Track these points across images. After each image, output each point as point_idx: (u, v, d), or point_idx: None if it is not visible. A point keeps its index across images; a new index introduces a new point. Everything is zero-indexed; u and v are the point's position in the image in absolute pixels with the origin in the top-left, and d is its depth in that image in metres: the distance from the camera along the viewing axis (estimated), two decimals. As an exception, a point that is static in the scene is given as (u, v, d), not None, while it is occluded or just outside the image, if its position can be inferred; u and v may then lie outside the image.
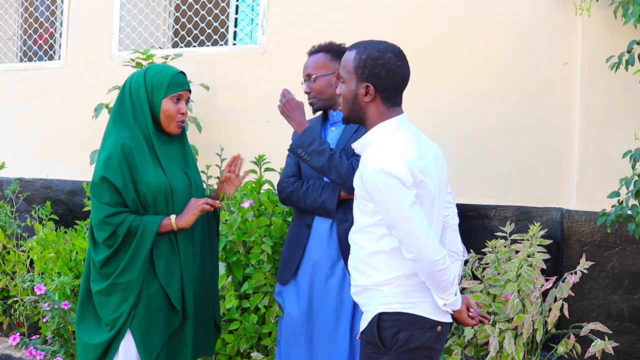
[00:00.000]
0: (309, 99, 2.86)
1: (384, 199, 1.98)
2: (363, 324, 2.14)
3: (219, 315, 2.76)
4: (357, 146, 2.19)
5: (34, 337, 3.74)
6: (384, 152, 2.02)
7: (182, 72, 2.60)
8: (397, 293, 2.06)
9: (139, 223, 2.43)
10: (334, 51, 2.84)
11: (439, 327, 2.09)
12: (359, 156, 2.44)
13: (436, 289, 2.04)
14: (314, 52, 2.89)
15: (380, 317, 2.06)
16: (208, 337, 2.68)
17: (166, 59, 4.57)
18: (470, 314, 2.20)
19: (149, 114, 2.51)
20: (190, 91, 2.62)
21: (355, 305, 2.66)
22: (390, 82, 2.09)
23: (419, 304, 2.06)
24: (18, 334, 3.58)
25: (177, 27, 5.36)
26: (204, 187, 3.99)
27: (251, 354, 3.09)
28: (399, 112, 2.13)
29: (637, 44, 3.11)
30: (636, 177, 2.93)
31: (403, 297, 2.06)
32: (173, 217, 2.48)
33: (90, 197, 2.51)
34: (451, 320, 2.16)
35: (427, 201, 2.05)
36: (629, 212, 2.99)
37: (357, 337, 2.25)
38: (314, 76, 2.81)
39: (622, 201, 3.01)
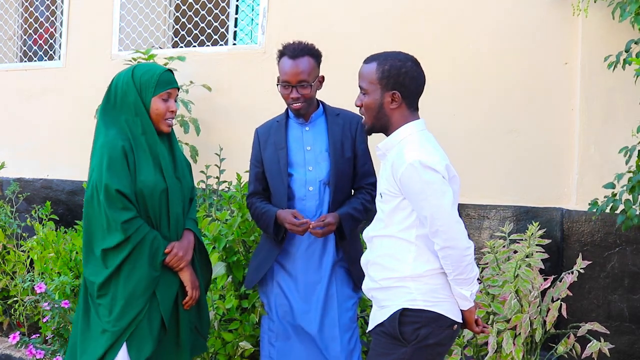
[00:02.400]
0: (296, 104, 2.74)
1: (423, 190, 2.07)
2: (379, 317, 2.21)
3: (202, 323, 2.69)
4: (381, 147, 2.26)
5: (33, 336, 3.74)
6: (419, 147, 2.13)
7: (170, 70, 2.59)
8: (422, 291, 2.14)
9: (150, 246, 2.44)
10: (316, 55, 2.77)
11: (455, 325, 2.19)
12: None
13: (462, 280, 2.12)
14: (300, 54, 2.71)
15: (403, 313, 2.14)
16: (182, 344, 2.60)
17: (171, 59, 4.57)
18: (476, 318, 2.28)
19: (145, 113, 2.50)
20: (179, 89, 2.62)
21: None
22: (413, 88, 2.21)
23: (441, 303, 2.15)
24: (18, 333, 3.58)
25: (177, 27, 5.36)
26: (204, 186, 4.02)
27: (240, 343, 3.07)
28: (418, 116, 2.26)
29: (635, 43, 3.12)
30: (631, 174, 2.94)
31: (428, 295, 2.14)
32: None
33: (97, 203, 2.43)
34: (462, 321, 2.23)
35: (455, 196, 2.17)
36: (622, 206, 3.01)
37: (368, 331, 2.32)
38: (310, 83, 2.72)
39: (616, 194, 3.02)
